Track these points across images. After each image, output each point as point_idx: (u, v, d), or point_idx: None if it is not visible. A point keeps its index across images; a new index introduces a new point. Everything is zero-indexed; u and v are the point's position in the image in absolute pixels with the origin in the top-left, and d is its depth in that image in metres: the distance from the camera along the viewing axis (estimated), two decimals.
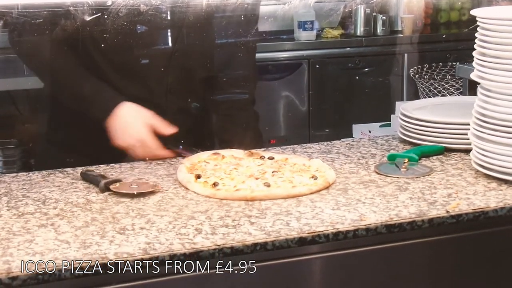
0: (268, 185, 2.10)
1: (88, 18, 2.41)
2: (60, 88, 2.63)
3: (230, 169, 2.23)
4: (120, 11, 2.38)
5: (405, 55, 5.36)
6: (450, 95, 3.38)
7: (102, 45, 2.49)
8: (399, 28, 5.55)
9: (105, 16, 2.41)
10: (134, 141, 2.43)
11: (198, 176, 2.17)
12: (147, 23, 2.50)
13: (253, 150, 2.37)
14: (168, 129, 2.46)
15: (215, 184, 2.11)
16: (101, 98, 2.50)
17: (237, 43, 2.69)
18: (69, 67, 2.56)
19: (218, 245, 1.76)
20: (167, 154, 2.45)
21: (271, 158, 2.33)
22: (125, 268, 1.70)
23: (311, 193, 2.08)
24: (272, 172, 2.19)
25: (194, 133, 2.68)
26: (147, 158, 2.42)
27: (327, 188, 2.12)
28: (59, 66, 2.57)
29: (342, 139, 2.70)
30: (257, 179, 2.14)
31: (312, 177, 2.16)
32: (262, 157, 2.33)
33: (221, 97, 2.71)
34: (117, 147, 2.47)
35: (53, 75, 2.61)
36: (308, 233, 1.83)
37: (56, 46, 2.54)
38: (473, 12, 2.23)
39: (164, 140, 2.45)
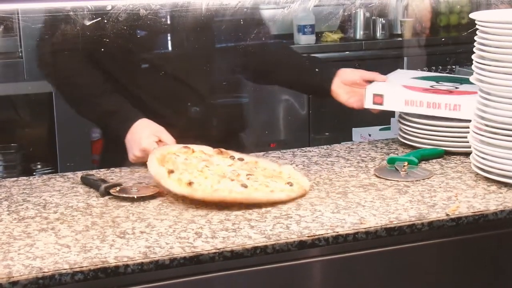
0: (246, 186, 2.08)
1: (88, 23, 2.41)
2: (82, 103, 2.64)
3: (201, 166, 2.18)
4: (119, 16, 2.38)
5: (405, 58, 5.36)
6: None
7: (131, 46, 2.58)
8: (399, 32, 5.55)
9: (105, 21, 2.41)
10: (140, 153, 2.44)
11: (171, 171, 2.14)
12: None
13: (222, 149, 2.32)
14: (171, 141, 2.45)
15: (190, 183, 2.10)
16: (120, 115, 2.54)
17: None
18: (92, 81, 2.59)
19: (218, 249, 1.76)
20: None
21: (240, 159, 2.29)
22: (125, 272, 1.70)
23: (290, 199, 2.06)
24: (247, 175, 2.17)
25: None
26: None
27: (304, 196, 2.10)
28: (83, 81, 2.60)
29: (342, 143, 2.70)
30: (232, 180, 2.12)
31: (288, 183, 2.13)
32: (232, 157, 2.29)
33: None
34: (131, 161, 2.48)
35: (75, 90, 2.63)
36: (308, 236, 1.83)
37: (80, 61, 2.59)
38: (472, 15, 2.23)
39: None
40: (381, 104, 2.57)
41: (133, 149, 2.46)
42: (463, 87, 2.57)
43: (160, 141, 2.42)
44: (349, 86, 2.67)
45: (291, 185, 2.12)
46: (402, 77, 2.75)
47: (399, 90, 2.57)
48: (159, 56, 2.66)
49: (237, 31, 2.69)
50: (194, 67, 2.65)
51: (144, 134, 2.45)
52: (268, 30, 2.82)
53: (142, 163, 2.41)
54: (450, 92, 2.52)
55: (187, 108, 2.67)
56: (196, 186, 2.06)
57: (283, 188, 2.10)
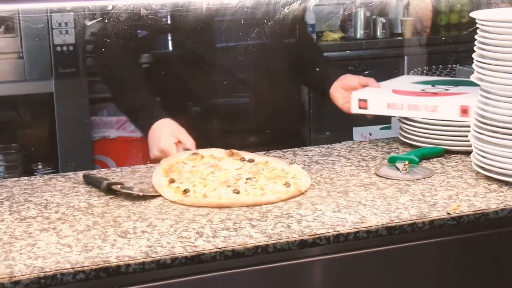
0: (238, 192, 2.09)
1: (88, 23, 2.42)
2: (118, 95, 2.80)
3: (206, 173, 2.22)
4: (120, 16, 2.39)
5: (405, 57, 5.36)
6: None
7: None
8: (399, 31, 5.55)
9: (106, 20, 2.42)
10: (159, 152, 2.48)
11: (172, 181, 2.17)
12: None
13: (234, 150, 2.35)
14: (191, 143, 2.49)
15: (186, 191, 2.10)
16: (146, 112, 2.63)
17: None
18: (131, 76, 2.70)
19: (219, 248, 1.76)
20: None
21: (251, 161, 2.31)
22: (127, 272, 1.70)
23: (280, 201, 2.06)
24: (247, 178, 2.18)
25: None
26: None
27: (297, 196, 2.10)
28: (123, 75, 2.71)
29: (342, 142, 2.70)
30: (228, 187, 2.13)
31: (285, 184, 2.14)
32: (242, 159, 2.32)
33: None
34: (152, 158, 2.53)
35: (115, 82, 2.76)
36: (309, 235, 1.83)
37: (126, 56, 2.69)
38: (473, 14, 2.23)
39: None
40: (365, 108, 2.63)
41: (153, 148, 2.53)
42: (455, 89, 2.59)
43: (179, 142, 2.45)
44: (346, 91, 2.70)
45: (288, 186, 2.13)
46: (401, 81, 2.79)
47: (382, 95, 2.63)
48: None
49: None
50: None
51: (164, 133, 2.51)
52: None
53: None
54: (434, 94, 2.54)
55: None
56: (189, 194, 2.08)
57: (277, 190, 2.11)
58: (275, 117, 2.78)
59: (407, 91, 2.62)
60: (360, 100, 2.63)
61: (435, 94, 2.56)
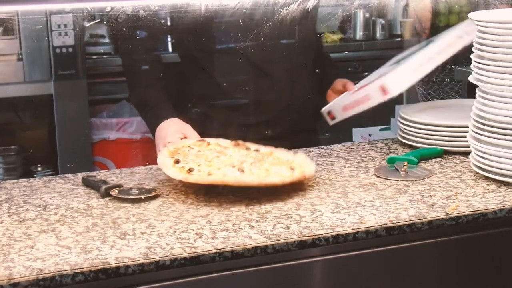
0: (243, 171, 2.10)
1: (87, 24, 2.43)
2: (133, 89, 2.81)
3: (212, 157, 2.23)
4: (119, 17, 2.39)
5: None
6: (449, 98, 3.39)
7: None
8: (398, 32, 5.55)
9: (104, 22, 2.43)
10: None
11: (177, 161, 2.18)
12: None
13: (239, 141, 2.36)
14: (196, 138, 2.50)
15: (190, 170, 2.11)
16: (157, 110, 2.66)
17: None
18: (149, 72, 2.73)
19: (218, 249, 1.77)
20: None
21: (256, 150, 2.32)
22: (126, 273, 1.70)
23: (284, 184, 2.08)
24: (251, 163, 2.19)
25: None
26: None
27: (301, 180, 2.14)
28: (142, 69, 2.74)
29: (342, 143, 2.70)
30: (233, 167, 2.15)
31: (290, 169, 2.16)
32: (247, 149, 2.33)
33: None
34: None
35: (134, 75, 2.78)
36: (308, 236, 1.83)
37: (148, 50, 2.74)
38: (471, 15, 2.24)
39: None
40: (334, 118, 2.69)
41: (159, 144, 2.53)
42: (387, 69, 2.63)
43: (185, 137, 2.47)
44: (335, 96, 2.77)
45: (293, 170, 2.14)
46: (372, 75, 2.79)
47: (337, 101, 2.69)
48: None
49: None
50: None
51: (170, 130, 2.54)
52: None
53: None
54: (366, 85, 2.61)
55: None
56: (194, 173, 2.08)
57: (282, 173, 2.12)
58: (275, 118, 2.79)
59: (358, 88, 2.66)
60: (327, 113, 2.70)
61: (366, 85, 2.59)
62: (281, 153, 2.31)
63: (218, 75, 2.70)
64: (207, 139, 2.37)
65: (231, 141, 2.36)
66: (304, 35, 2.80)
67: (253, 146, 2.34)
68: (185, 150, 2.29)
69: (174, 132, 2.51)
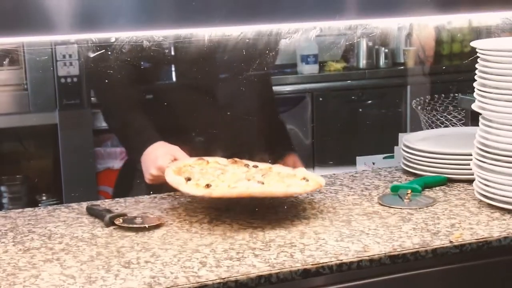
0: (262, 183, 2.11)
1: (92, 55, 2.45)
2: (111, 115, 2.79)
3: (217, 174, 2.24)
4: (123, 47, 2.41)
5: (408, 87, 5.39)
6: (453, 126, 3.39)
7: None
8: (402, 61, 5.57)
9: (109, 53, 2.45)
10: (157, 171, 2.47)
11: (189, 179, 2.18)
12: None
13: (237, 159, 2.37)
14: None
15: (208, 186, 2.12)
16: (142, 135, 2.62)
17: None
18: (126, 96, 2.70)
19: (222, 279, 1.76)
20: None
21: (255, 167, 2.33)
22: None
23: (305, 192, 2.16)
24: (262, 175, 2.21)
25: None
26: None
27: (319, 188, 2.20)
28: (118, 94, 2.71)
29: (345, 171, 2.71)
30: (249, 180, 2.16)
31: (303, 179, 2.19)
32: (246, 165, 2.33)
33: None
34: (147, 182, 2.54)
35: (109, 101, 2.76)
36: (312, 264, 1.83)
37: (120, 78, 2.69)
38: (473, 43, 2.25)
39: None
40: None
41: (149, 168, 2.50)
42: None
43: (175, 159, 2.46)
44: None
45: (307, 180, 2.18)
46: None
47: None
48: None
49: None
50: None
51: (160, 153, 2.50)
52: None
53: (157, 186, 2.46)
54: None
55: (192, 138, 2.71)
56: (214, 187, 2.10)
57: (299, 183, 2.15)
58: (279, 146, 2.80)
59: None
60: None
61: None
62: (279, 168, 2.32)
63: (198, 115, 2.70)
64: (206, 158, 2.38)
65: (228, 160, 2.37)
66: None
67: (250, 163, 2.36)
68: (188, 169, 2.29)
69: (164, 154, 2.48)
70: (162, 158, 2.46)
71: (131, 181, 2.77)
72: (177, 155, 2.47)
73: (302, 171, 2.29)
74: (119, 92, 2.68)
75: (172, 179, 2.22)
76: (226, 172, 2.26)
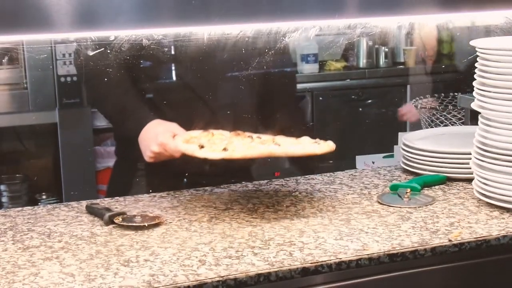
0: (279, 145, 2.12)
1: (91, 53, 2.45)
2: (104, 99, 2.77)
3: (224, 144, 2.23)
4: (123, 46, 2.41)
5: (408, 86, 5.39)
6: (452, 125, 3.39)
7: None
8: (402, 60, 5.57)
9: (108, 51, 2.45)
10: (158, 147, 2.46)
11: (202, 146, 2.18)
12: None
13: (239, 131, 2.35)
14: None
15: (225, 149, 2.12)
16: (138, 114, 2.61)
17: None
18: (118, 80, 2.68)
19: (221, 277, 1.77)
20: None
21: (258, 138, 2.31)
22: None
23: (321, 153, 2.18)
24: (272, 141, 2.22)
25: None
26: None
27: (331, 151, 2.22)
28: (108, 81, 2.69)
29: (345, 170, 2.71)
30: (263, 144, 2.17)
31: (315, 142, 2.21)
32: (250, 137, 2.31)
33: None
34: (147, 160, 2.53)
35: (101, 86, 2.73)
36: (311, 263, 1.83)
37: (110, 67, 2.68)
38: (472, 42, 2.25)
39: None
40: None
41: (150, 145, 2.49)
42: None
43: (174, 136, 2.46)
44: None
45: (318, 143, 2.20)
46: None
47: None
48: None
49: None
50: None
51: (159, 130, 2.50)
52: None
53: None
54: None
55: None
56: (232, 150, 2.11)
57: (313, 145, 2.18)
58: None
59: None
60: None
61: None
62: (283, 138, 2.31)
63: (198, 114, 2.70)
64: (211, 130, 2.37)
65: (230, 132, 2.36)
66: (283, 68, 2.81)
67: (253, 134, 2.34)
68: (195, 140, 2.28)
69: (163, 132, 2.47)
70: (162, 134, 2.46)
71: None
72: (177, 131, 2.47)
73: (306, 139, 2.29)
74: (111, 77, 2.67)
75: (186, 147, 2.21)
76: (232, 143, 2.24)
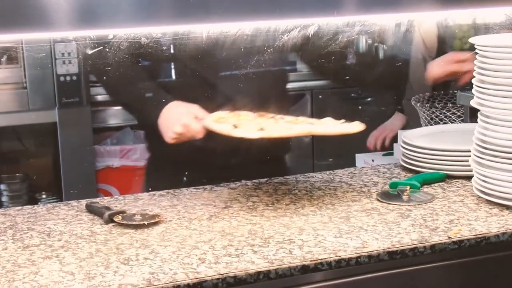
0: (312, 124, 2.14)
1: (90, 52, 2.45)
2: (120, 87, 2.76)
3: (259, 123, 2.25)
4: (121, 44, 2.41)
5: (407, 84, 5.37)
6: (451, 123, 3.39)
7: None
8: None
9: (107, 50, 2.45)
10: (182, 128, 2.49)
11: (236, 126, 2.20)
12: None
13: (262, 112, 2.38)
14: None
15: (261, 129, 2.13)
16: (154, 99, 2.63)
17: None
18: (132, 70, 2.70)
19: (221, 274, 1.77)
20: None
21: (281, 118, 2.34)
22: None
23: (355, 132, 2.20)
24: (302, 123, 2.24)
25: None
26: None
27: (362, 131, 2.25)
28: (124, 73, 2.70)
29: (344, 168, 2.71)
30: (295, 124, 2.19)
31: (344, 122, 2.24)
32: (273, 117, 2.34)
33: None
34: (169, 143, 2.55)
35: (117, 79, 2.74)
36: (311, 261, 1.84)
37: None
38: (472, 40, 2.25)
39: None
40: None
41: (173, 126, 2.51)
42: None
43: (196, 118, 2.48)
44: None
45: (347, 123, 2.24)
46: None
47: None
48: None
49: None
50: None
51: (182, 111, 2.52)
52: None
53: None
54: None
55: None
56: (268, 129, 2.12)
57: (344, 124, 2.22)
58: (276, 143, 2.80)
59: None
60: None
61: None
62: (306, 119, 2.34)
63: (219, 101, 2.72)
64: (236, 111, 2.39)
65: (254, 114, 2.38)
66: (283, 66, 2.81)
67: (275, 115, 2.36)
68: (223, 121, 2.29)
69: (185, 113, 2.50)
70: (185, 115, 2.49)
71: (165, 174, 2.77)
72: (198, 113, 2.50)
73: (329, 119, 2.30)
74: (124, 70, 2.69)
75: (221, 127, 2.22)
76: (260, 123, 2.26)
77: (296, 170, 2.76)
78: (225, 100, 2.72)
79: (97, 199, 2.39)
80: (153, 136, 2.66)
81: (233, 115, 2.33)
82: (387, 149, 2.97)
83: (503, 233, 1.99)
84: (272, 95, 2.78)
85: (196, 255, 1.88)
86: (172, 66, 2.76)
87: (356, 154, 3.64)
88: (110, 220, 2.15)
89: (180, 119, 2.49)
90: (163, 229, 2.09)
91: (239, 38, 2.47)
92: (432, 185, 2.42)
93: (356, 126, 2.24)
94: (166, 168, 2.77)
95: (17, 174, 4.46)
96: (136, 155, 4.44)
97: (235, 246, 1.93)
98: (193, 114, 2.48)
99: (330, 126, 2.17)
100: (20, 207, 2.35)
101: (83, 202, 2.34)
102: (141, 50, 2.51)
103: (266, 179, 2.54)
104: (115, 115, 4.58)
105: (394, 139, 3.03)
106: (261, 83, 2.74)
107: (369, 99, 5.37)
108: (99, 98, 4.42)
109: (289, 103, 2.85)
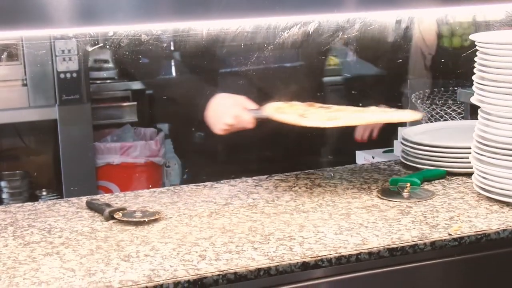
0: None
1: (90, 49, 2.46)
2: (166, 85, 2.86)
3: (325, 111, 2.33)
4: (121, 41, 2.41)
5: (408, 81, 5.38)
6: (452, 119, 3.39)
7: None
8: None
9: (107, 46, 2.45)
10: (234, 119, 2.54)
11: (302, 115, 2.26)
12: None
13: (311, 102, 2.46)
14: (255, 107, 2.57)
15: (330, 119, 2.20)
16: (203, 90, 2.69)
17: None
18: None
19: (221, 271, 1.77)
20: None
21: (328, 107, 2.42)
22: None
23: (409, 120, 2.37)
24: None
25: None
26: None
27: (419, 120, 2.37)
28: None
29: (345, 165, 2.71)
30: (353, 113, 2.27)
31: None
32: (322, 107, 2.42)
33: None
34: (218, 133, 2.60)
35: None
36: (311, 257, 1.84)
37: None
38: (472, 37, 2.25)
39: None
40: None
41: (223, 118, 2.57)
42: None
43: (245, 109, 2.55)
44: None
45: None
46: None
47: None
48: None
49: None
50: None
51: (231, 103, 2.58)
52: None
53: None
54: None
55: None
56: (335, 119, 2.20)
57: (398, 112, 2.29)
58: (278, 140, 2.80)
59: None
60: None
61: None
62: (353, 108, 2.41)
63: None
64: (289, 102, 2.45)
65: (304, 104, 2.44)
66: (306, 58, 2.82)
67: (323, 105, 2.44)
68: (281, 111, 2.35)
69: (234, 105, 2.56)
70: (234, 107, 2.54)
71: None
72: (245, 104, 2.55)
73: (373, 108, 2.36)
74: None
75: (287, 117, 2.28)
76: (314, 113, 2.33)
77: (297, 167, 2.76)
78: (261, 93, 2.73)
79: (98, 196, 2.39)
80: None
81: (288, 106, 2.38)
82: (375, 140, 2.98)
83: (504, 230, 1.99)
84: (275, 93, 2.78)
85: (197, 251, 1.88)
86: (171, 63, 2.77)
87: (357, 151, 3.64)
88: (110, 217, 2.15)
89: (230, 111, 2.53)
90: (164, 226, 2.09)
91: (239, 35, 2.48)
92: (433, 182, 2.42)
93: (414, 115, 2.34)
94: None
95: (17, 171, 4.46)
96: (136, 152, 4.44)
97: (236, 243, 1.93)
98: (242, 105, 2.53)
99: (395, 114, 2.27)
100: (20, 204, 2.36)
101: (84, 199, 2.34)
102: (141, 47, 2.51)
103: (265, 176, 2.54)
104: (115, 112, 4.58)
105: (388, 132, 3.03)
106: (296, 76, 2.78)
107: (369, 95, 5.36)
108: (99, 95, 4.43)
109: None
